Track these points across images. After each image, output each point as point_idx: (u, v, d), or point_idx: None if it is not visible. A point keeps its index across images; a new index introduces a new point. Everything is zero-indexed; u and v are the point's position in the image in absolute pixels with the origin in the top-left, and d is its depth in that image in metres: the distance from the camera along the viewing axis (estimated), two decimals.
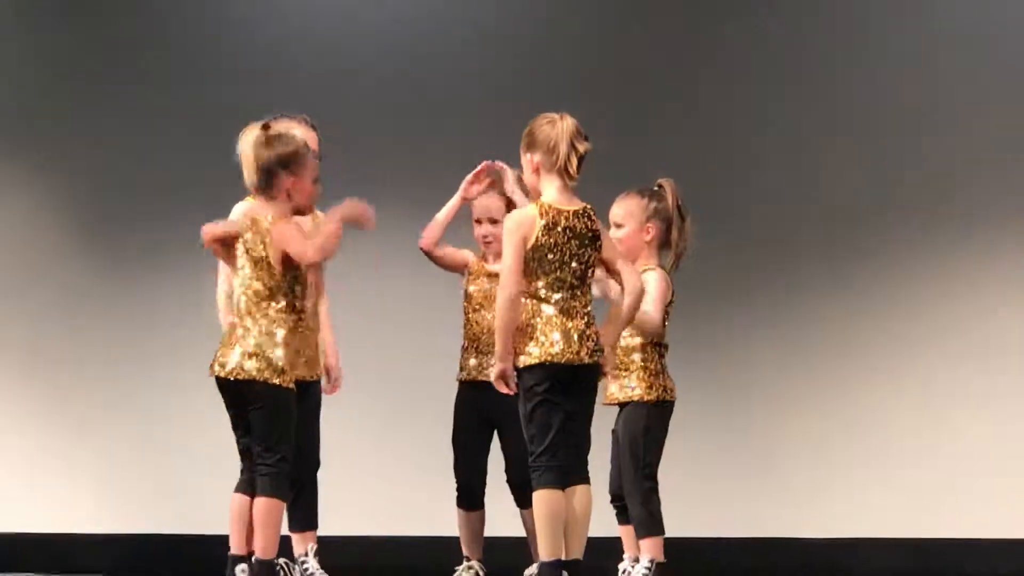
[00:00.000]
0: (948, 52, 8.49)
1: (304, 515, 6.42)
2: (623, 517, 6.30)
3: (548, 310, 5.56)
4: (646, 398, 6.21)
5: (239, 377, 5.69)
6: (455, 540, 6.52)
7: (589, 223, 5.64)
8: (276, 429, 5.72)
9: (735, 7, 8.80)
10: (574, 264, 5.60)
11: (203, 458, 8.53)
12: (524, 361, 5.54)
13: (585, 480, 5.57)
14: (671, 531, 6.25)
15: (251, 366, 5.69)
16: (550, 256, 5.56)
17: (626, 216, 6.28)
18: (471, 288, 6.50)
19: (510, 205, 6.29)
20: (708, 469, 8.35)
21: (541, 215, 5.58)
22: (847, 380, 8.42)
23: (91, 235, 9.47)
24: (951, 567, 8.06)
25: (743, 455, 8.45)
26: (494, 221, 6.34)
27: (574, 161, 5.61)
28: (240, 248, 5.82)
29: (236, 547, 5.75)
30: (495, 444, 6.51)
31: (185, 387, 8.85)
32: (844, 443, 8.36)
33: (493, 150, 6.37)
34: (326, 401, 6.45)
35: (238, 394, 5.73)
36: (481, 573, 6.43)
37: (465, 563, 6.44)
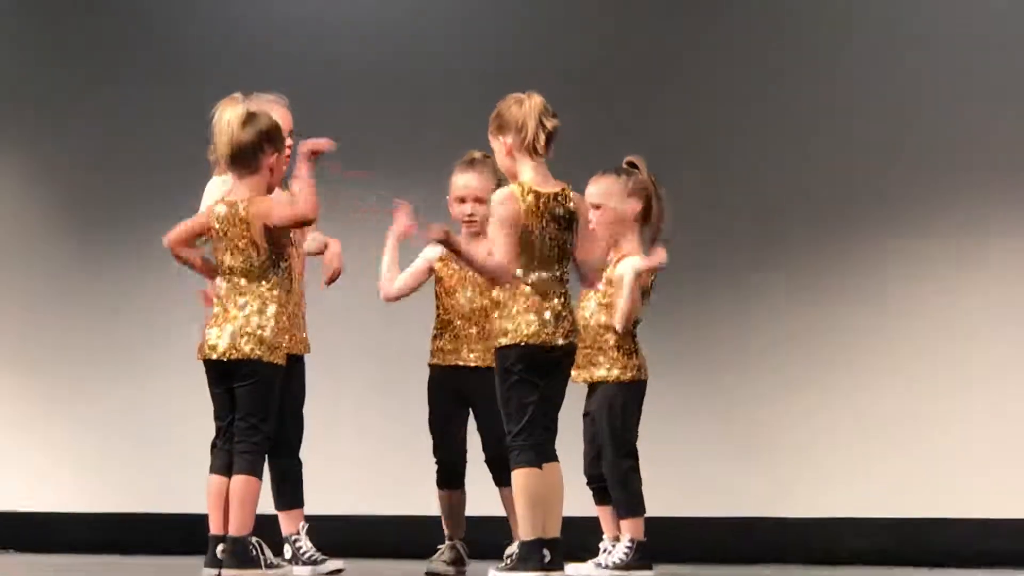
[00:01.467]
0: (944, 46, 8.50)
1: (291, 493, 6.42)
2: (600, 497, 6.31)
3: (525, 290, 5.55)
4: (622, 378, 6.22)
5: (233, 357, 5.68)
6: (437, 519, 6.52)
7: (567, 203, 5.62)
8: (263, 407, 5.72)
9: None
10: (552, 246, 5.58)
11: (184, 437, 8.51)
12: (501, 341, 5.53)
13: (556, 458, 5.56)
14: (653, 511, 6.27)
15: (243, 344, 5.69)
16: (530, 238, 5.54)
17: (605, 196, 6.28)
18: (444, 274, 6.47)
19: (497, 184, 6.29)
20: (691, 449, 8.35)
21: (522, 196, 5.56)
22: (833, 361, 8.41)
23: (78, 216, 9.47)
24: (934, 547, 8.07)
25: (726, 435, 8.45)
26: (479, 200, 6.30)
27: (542, 138, 5.57)
28: (215, 232, 5.79)
29: (216, 527, 5.75)
30: (472, 423, 6.50)
31: (166, 366, 8.87)
32: (828, 423, 8.36)
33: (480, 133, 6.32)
34: (310, 381, 6.45)
35: (228, 374, 5.73)
36: (463, 552, 6.43)
37: (447, 542, 6.44)
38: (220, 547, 5.70)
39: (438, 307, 6.49)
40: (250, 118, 5.78)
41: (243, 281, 5.74)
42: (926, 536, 8.09)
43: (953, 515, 8.07)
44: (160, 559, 8.15)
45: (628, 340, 6.25)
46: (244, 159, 5.77)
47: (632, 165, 6.38)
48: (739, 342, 8.55)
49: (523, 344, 5.48)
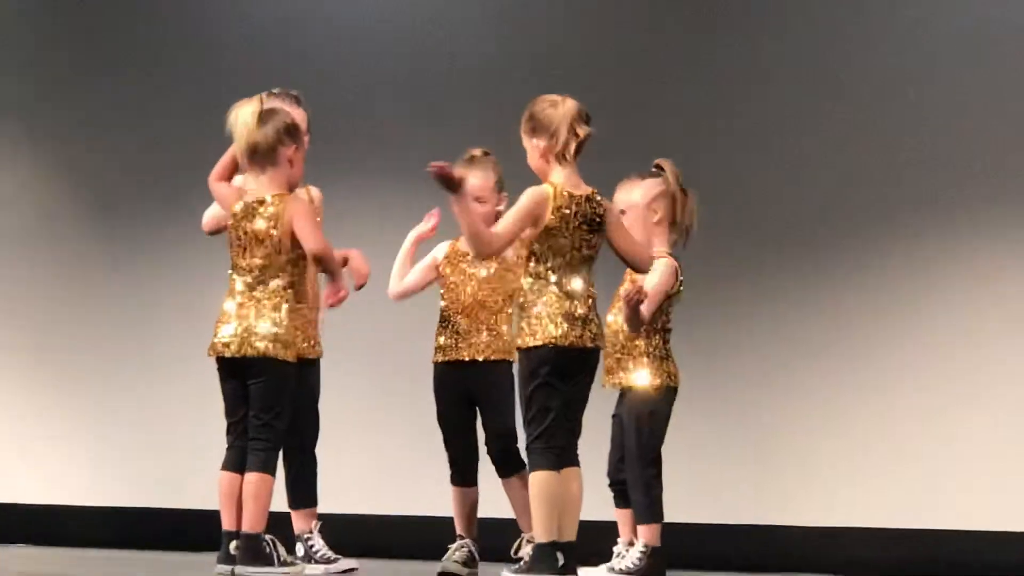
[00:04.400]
0: (947, 45, 8.49)
1: (304, 492, 6.44)
2: (620, 501, 6.32)
3: (553, 293, 5.55)
4: (652, 384, 6.21)
5: (246, 355, 5.69)
6: (450, 520, 6.52)
7: (597, 208, 5.63)
8: (278, 403, 5.74)
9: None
10: (583, 249, 5.59)
11: (198, 432, 8.53)
12: (527, 342, 5.54)
13: (577, 463, 5.57)
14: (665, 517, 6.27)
15: (258, 342, 5.70)
16: (561, 240, 5.55)
17: (626, 201, 6.28)
18: (447, 271, 6.49)
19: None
20: (699, 457, 8.34)
21: (555, 197, 5.57)
22: (840, 370, 8.40)
23: (91, 213, 9.48)
24: (941, 558, 8.07)
25: (735, 444, 8.45)
26: (480, 200, 6.25)
27: (572, 146, 5.60)
28: (233, 228, 5.83)
29: (228, 523, 5.76)
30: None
31: (184, 362, 8.86)
32: (836, 433, 8.36)
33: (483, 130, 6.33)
34: (322, 382, 6.46)
35: (240, 371, 5.74)
36: (474, 551, 6.43)
37: (459, 541, 6.44)
38: (233, 543, 5.71)
39: (443, 306, 6.50)
40: (267, 114, 5.84)
41: (260, 278, 5.76)
42: (933, 547, 8.09)
43: (961, 527, 8.07)
44: (173, 555, 8.16)
45: (659, 346, 6.25)
46: (264, 154, 5.80)
47: (659, 167, 6.39)
48: (746, 350, 8.55)
49: (550, 346, 5.49)
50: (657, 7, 8.86)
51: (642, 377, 6.22)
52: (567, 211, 5.54)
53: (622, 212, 6.15)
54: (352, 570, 6.39)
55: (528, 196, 5.58)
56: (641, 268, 5.81)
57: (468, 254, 6.37)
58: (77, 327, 9.37)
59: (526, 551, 6.08)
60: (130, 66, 9.45)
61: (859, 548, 8.18)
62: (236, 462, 5.78)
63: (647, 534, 6.17)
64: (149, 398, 9.14)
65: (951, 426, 8.20)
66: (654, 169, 6.39)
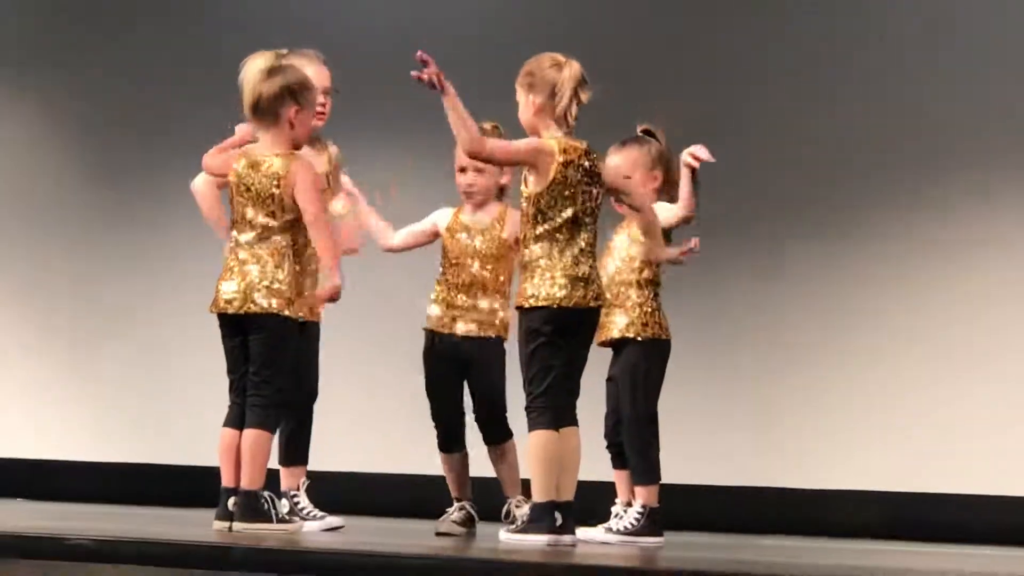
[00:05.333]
0: (948, 38, 8.48)
1: (297, 449, 6.42)
2: (618, 462, 6.32)
3: (557, 251, 5.55)
4: (641, 336, 6.20)
5: (248, 311, 5.66)
6: (440, 479, 6.51)
7: (596, 160, 5.63)
8: (277, 360, 5.70)
9: None
10: (585, 203, 5.58)
11: (199, 389, 8.55)
12: (530, 302, 5.53)
13: (576, 422, 5.58)
14: (662, 478, 6.27)
15: (259, 297, 5.66)
16: (566, 194, 5.55)
17: (633, 166, 6.25)
18: (448, 242, 6.38)
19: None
20: (698, 418, 8.37)
21: (562, 151, 5.55)
22: (842, 336, 8.44)
23: (93, 170, 9.49)
24: (939, 521, 8.10)
25: (734, 405, 8.47)
26: (479, 170, 6.23)
27: (574, 110, 5.60)
28: (235, 185, 5.77)
29: (227, 480, 5.76)
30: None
31: (183, 319, 8.88)
32: (836, 397, 8.39)
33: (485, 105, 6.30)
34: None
35: (241, 327, 5.71)
36: (472, 512, 6.43)
37: (456, 504, 6.44)
38: (231, 500, 5.71)
39: (441, 277, 6.46)
40: (275, 70, 5.73)
41: (262, 235, 5.72)
42: (931, 510, 8.12)
43: (958, 491, 8.10)
44: (171, 510, 8.17)
45: (648, 298, 6.23)
46: (265, 110, 5.72)
47: (648, 133, 6.37)
48: (750, 316, 8.57)
49: (555, 307, 5.50)
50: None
51: (632, 328, 6.22)
52: (571, 166, 5.54)
53: (627, 177, 6.14)
54: (339, 527, 6.39)
55: (530, 141, 5.57)
56: (639, 205, 5.84)
57: (468, 227, 6.34)
58: (78, 286, 9.39)
59: (520, 513, 6.10)
60: (130, 27, 9.45)
61: (857, 511, 8.22)
62: (237, 419, 5.74)
63: (645, 495, 6.17)
64: (149, 354, 9.17)
65: (951, 391, 8.23)
66: (642, 134, 6.37)
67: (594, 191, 5.60)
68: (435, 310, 6.39)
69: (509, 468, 6.29)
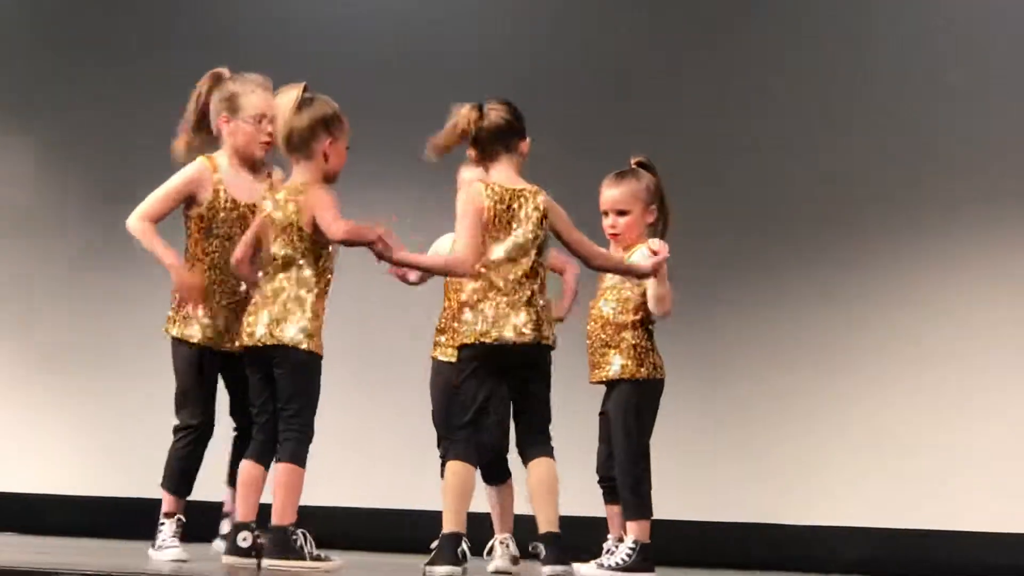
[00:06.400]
0: (947, 43, 8.49)
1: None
2: (610, 497, 6.30)
3: (485, 287, 5.59)
4: (636, 376, 6.19)
5: (269, 343, 5.63)
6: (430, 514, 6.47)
7: (532, 202, 5.65)
8: (306, 393, 5.68)
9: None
10: (513, 242, 5.60)
11: None
12: (459, 339, 5.61)
13: (545, 454, 5.58)
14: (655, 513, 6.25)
15: (283, 331, 5.64)
16: (493, 233, 5.60)
17: (632, 201, 6.24)
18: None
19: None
20: (691, 453, 8.36)
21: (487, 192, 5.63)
22: (834, 370, 8.43)
23: (85, 200, 9.47)
24: (932, 559, 8.08)
25: (727, 441, 8.46)
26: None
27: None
28: (264, 219, 5.76)
29: (244, 514, 5.69)
30: None
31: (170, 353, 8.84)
32: (829, 432, 8.38)
33: None
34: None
35: (266, 360, 5.68)
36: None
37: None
38: (242, 534, 5.63)
39: (447, 304, 6.46)
40: (306, 102, 5.75)
41: (284, 263, 5.70)
42: (925, 548, 8.11)
43: (952, 528, 8.08)
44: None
45: (643, 337, 6.22)
46: (298, 144, 5.73)
47: (642, 165, 6.37)
48: (739, 349, 8.56)
49: (476, 344, 5.58)
50: (673, 8, 8.89)
51: (628, 371, 6.21)
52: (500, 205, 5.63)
53: (623, 212, 6.15)
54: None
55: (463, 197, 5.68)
56: (593, 260, 5.84)
57: None
58: (68, 316, 9.36)
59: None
60: (129, 54, 9.47)
61: (849, 547, 8.20)
62: (258, 452, 5.72)
63: (637, 530, 6.15)
64: (137, 388, 9.13)
65: (945, 427, 8.22)
66: (636, 166, 6.36)
67: (530, 231, 5.66)
68: (441, 338, 6.44)
69: (505, 506, 6.31)
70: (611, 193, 6.21)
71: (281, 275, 5.71)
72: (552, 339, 5.64)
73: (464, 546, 5.56)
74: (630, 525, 6.17)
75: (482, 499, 6.44)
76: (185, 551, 6.12)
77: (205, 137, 6.19)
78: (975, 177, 8.34)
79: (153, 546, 6.19)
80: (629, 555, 6.14)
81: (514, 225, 5.65)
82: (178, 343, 5.97)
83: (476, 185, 5.70)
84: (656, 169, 6.32)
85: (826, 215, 8.50)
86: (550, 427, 5.65)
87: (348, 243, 5.66)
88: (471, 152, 5.74)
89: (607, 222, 6.23)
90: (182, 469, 6.24)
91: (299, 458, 5.63)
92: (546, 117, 8.60)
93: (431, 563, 5.54)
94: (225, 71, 6.15)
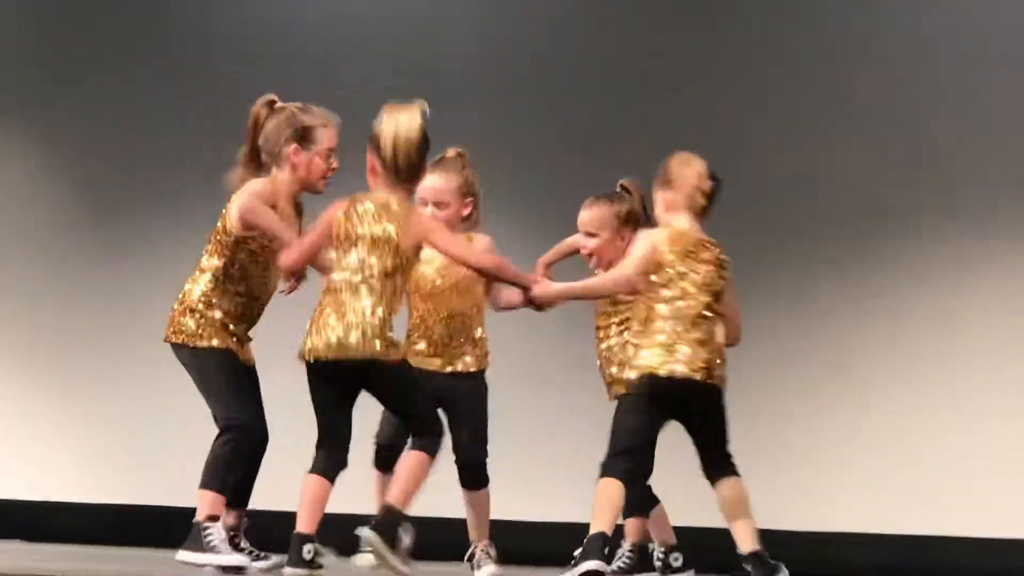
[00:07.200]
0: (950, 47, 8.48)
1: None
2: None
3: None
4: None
5: (365, 356, 5.54)
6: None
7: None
8: (410, 396, 5.69)
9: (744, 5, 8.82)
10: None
11: (195, 429, 8.45)
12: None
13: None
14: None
15: (377, 344, 5.56)
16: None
17: (600, 225, 6.32)
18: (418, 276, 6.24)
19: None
20: (694, 459, 8.32)
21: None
22: (837, 376, 8.43)
23: (83, 207, 9.46)
24: (936, 564, 8.06)
25: (737, 445, 8.40)
26: (439, 204, 6.14)
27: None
28: (342, 230, 5.65)
29: (309, 526, 5.59)
30: None
31: (175, 360, 8.83)
32: (833, 437, 8.38)
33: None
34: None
35: (353, 374, 5.60)
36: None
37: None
38: (307, 547, 5.55)
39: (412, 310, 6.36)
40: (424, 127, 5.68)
41: (380, 276, 5.60)
42: (929, 553, 8.09)
43: (957, 533, 8.08)
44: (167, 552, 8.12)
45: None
46: (413, 168, 5.68)
47: (625, 189, 6.40)
48: (742, 354, 8.52)
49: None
50: (678, 10, 8.87)
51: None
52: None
53: (591, 235, 6.22)
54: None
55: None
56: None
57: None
58: (70, 324, 9.35)
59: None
60: (129, 63, 9.45)
61: (852, 553, 8.17)
62: (329, 468, 5.63)
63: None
64: (144, 394, 9.12)
65: (950, 432, 8.21)
66: (620, 190, 6.37)
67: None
68: (411, 345, 6.30)
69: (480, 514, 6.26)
70: (581, 216, 6.35)
71: (372, 288, 5.58)
72: None
73: None
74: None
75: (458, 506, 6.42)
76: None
77: (251, 166, 6.13)
78: (991, 180, 8.32)
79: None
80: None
81: None
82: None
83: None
84: (635, 193, 6.30)
85: (837, 215, 8.49)
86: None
87: (491, 276, 5.75)
88: None
89: (580, 242, 6.33)
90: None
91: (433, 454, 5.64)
92: (547, 117, 8.71)
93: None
94: (275, 98, 6.09)
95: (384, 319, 5.57)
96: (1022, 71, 8.41)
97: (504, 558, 6.42)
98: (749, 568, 5.59)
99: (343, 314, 5.56)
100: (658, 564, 6.51)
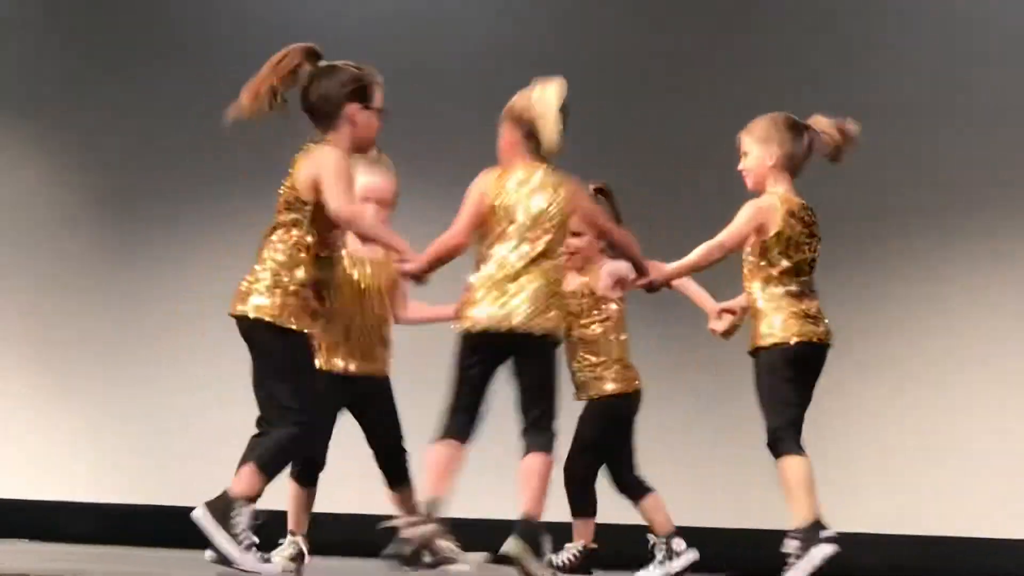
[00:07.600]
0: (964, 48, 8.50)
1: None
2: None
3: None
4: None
5: (541, 331, 5.59)
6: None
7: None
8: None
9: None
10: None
11: (202, 429, 8.52)
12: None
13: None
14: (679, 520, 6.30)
15: (538, 319, 5.62)
16: None
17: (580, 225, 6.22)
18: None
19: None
20: (715, 460, 8.34)
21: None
22: (849, 376, 8.41)
23: (93, 208, 9.48)
24: (949, 565, 8.07)
25: (750, 445, 8.43)
26: (384, 204, 6.16)
27: None
28: (501, 201, 5.70)
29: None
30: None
31: (184, 359, 8.85)
32: (844, 438, 8.37)
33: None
34: None
35: (509, 350, 5.62)
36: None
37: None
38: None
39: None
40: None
41: (531, 254, 5.67)
42: (941, 554, 8.10)
43: (969, 534, 8.08)
44: (175, 552, 8.15)
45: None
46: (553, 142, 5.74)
47: (600, 191, 6.44)
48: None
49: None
50: (680, 9, 8.88)
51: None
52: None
53: (576, 234, 6.29)
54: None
55: None
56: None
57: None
58: (79, 324, 9.37)
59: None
60: (129, 63, 9.45)
61: (864, 555, 8.19)
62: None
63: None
64: (152, 394, 9.14)
65: (960, 434, 8.23)
66: (594, 193, 6.42)
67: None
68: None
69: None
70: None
71: (534, 262, 5.63)
72: None
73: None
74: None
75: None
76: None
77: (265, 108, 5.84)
78: (1008, 182, 8.35)
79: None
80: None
81: None
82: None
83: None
84: (611, 197, 6.38)
85: (849, 217, 8.49)
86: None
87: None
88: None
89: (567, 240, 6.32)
90: None
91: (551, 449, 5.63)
92: None
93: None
94: (318, 49, 5.87)
95: None
96: (1022, 71, 8.41)
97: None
98: None
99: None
100: (661, 554, 6.50)
